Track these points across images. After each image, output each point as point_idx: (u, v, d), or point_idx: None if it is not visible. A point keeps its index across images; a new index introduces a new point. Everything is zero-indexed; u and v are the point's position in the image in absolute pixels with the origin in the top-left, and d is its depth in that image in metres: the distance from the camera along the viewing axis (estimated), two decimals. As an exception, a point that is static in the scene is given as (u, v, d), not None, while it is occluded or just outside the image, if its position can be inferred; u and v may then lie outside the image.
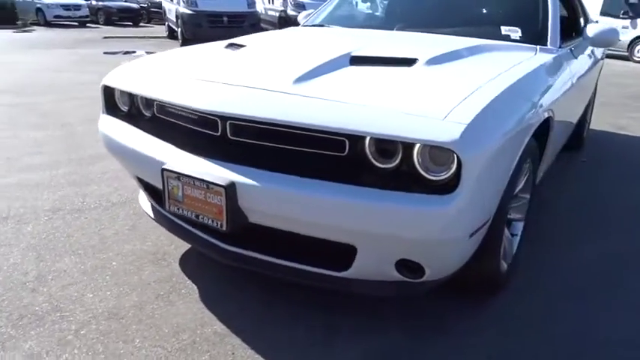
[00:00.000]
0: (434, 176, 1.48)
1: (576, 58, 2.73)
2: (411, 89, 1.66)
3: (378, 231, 1.48)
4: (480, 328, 1.88)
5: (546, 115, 2.01)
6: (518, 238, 2.27)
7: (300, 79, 1.71)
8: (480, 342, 1.81)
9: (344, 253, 1.62)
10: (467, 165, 1.41)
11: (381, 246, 1.55)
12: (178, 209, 1.74)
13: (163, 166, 1.71)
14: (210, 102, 1.68)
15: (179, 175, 1.67)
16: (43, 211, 2.70)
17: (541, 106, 1.92)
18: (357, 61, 1.92)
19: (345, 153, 1.55)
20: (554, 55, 2.36)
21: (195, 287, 2.05)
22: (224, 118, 1.66)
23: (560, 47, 2.51)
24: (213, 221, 1.65)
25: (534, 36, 2.51)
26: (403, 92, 1.63)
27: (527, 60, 2.11)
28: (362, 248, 1.58)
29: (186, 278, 2.11)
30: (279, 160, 1.62)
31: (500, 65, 1.94)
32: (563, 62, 2.44)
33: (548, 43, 2.48)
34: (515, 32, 2.53)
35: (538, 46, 2.39)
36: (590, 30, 2.70)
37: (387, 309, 1.96)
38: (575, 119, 2.98)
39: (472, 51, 2.12)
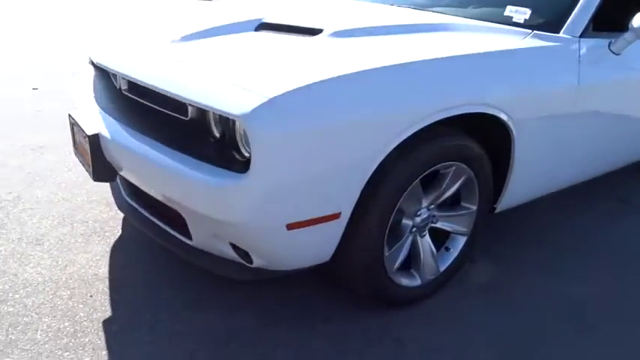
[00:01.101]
0: (248, 152, 1.37)
1: (617, 54, 2.14)
2: (277, 60, 1.52)
3: (180, 201, 1.44)
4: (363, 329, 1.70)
5: (489, 111, 1.66)
6: (455, 253, 1.94)
7: (182, 39, 1.70)
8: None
9: (183, 221, 1.60)
10: (258, 143, 1.27)
11: (198, 219, 1.49)
12: (77, 154, 1.90)
13: (69, 112, 1.87)
14: (105, 58, 1.77)
15: (74, 122, 1.81)
16: None
17: (466, 97, 1.58)
18: (264, 27, 1.82)
19: (188, 118, 1.52)
20: (556, 44, 1.90)
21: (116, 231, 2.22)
22: (114, 73, 1.75)
23: (581, 37, 2.01)
24: (86, 167, 1.77)
25: (548, 20, 2.04)
26: (264, 62, 1.51)
27: (485, 43, 1.75)
28: (188, 219, 1.54)
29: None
30: (141, 119, 1.66)
31: (420, 46, 1.65)
32: (575, 55, 1.95)
33: (563, 30, 2.00)
34: (523, 14, 2.09)
35: (533, 31, 1.95)
36: (638, 20, 2.09)
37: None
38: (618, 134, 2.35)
39: (410, 29, 1.82)
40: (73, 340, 1.61)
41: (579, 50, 1.98)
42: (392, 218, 1.62)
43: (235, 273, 1.60)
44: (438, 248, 1.94)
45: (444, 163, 1.68)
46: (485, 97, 1.65)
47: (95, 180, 1.74)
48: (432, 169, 1.66)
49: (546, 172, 2.08)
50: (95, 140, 1.67)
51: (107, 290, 1.85)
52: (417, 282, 1.85)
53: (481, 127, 1.85)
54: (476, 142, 1.76)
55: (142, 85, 1.55)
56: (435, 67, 1.54)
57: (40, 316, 1.71)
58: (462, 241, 1.96)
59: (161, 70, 1.54)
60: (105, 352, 1.57)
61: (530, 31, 1.96)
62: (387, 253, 1.68)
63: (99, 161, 1.70)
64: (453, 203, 1.94)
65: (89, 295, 1.82)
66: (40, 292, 1.83)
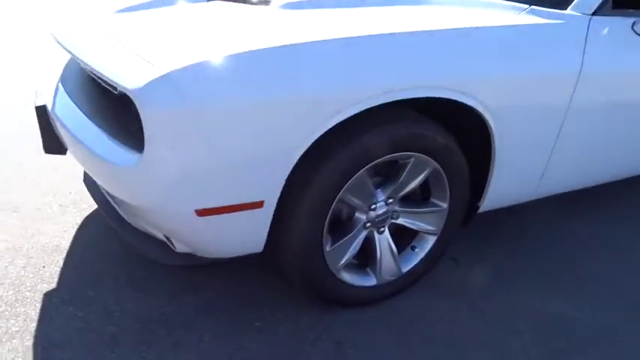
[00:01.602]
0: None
1: (644, 35, 1.80)
2: (205, 31, 1.40)
3: (94, 178, 1.38)
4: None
5: (453, 97, 1.44)
6: (421, 254, 1.75)
7: (127, 10, 1.63)
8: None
9: (115, 198, 1.55)
10: (150, 121, 1.17)
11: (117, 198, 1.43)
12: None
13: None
14: (57, 31, 1.73)
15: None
16: None
17: (417, 79, 1.37)
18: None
19: (117, 93, 1.45)
20: (555, 22, 1.62)
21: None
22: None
23: (595, 14, 1.70)
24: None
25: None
26: (190, 33, 1.40)
27: (461, 19, 1.51)
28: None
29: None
30: (85, 94, 1.62)
31: (375, 20, 1.45)
32: (580, 37, 1.65)
33: (572, 6, 1.71)
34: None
35: (531, 6, 1.68)
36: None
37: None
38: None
39: (377, 2, 1.62)
40: (9, 309, 1.63)
41: (588, 30, 1.68)
42: (331, 210, 1.47)
43: (165, 256, 1.52)
44: (403, 247, 1.77)
45: (397, 154, 1.49)
46: (446, 79, 1.43)
47: (46, 152, 1.73)
48: (383, 159, 1.48)
49: (537, 172, 1.82)
50: (42, 112, 1.65)
51: (62, 262, 1.86)
52: (372, 282, 1.69)
53: (456, 116, 1.64)
54: (443, 132, 1.55)
55: (75, 57, 1.50)
56: (380, 43, 1.34)
57: (-10, 283, 1.75)
58: (430, 241, 1.76)
59: (88, 41, 1.48)
60: (34, 325, 1.57)
61: (527, 6, 1.69)
62: (328, 248, 1.53)
63: (47, 133, 1.69)
64: (423, 199, 1.75)
65: (42, 265, 1.84)
66: (-1, 258, 1.88)
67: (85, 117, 1.47)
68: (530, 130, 1.67)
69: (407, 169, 1.56)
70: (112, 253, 1.92)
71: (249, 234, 1.43)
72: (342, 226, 1.62)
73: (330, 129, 1.36)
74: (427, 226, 1.72)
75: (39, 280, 1.76)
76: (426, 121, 1.52)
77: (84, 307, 1.65)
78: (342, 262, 1.59)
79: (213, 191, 1.29)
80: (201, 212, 1.32)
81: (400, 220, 1.68)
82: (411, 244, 1.77)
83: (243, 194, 1.33)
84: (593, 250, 2.12)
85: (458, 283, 1.87)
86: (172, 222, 1.33)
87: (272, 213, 1.40)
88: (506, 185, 1.80)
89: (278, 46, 1.25)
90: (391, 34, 1.36)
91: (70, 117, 1.51)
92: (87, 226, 2.09)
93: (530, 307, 1.77)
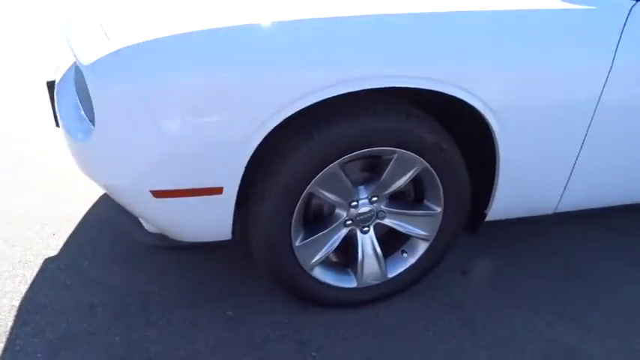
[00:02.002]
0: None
1: None
2: (173, 6, 1.37)
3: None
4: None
5: (442, 89, 1.29)
6: (411, 260, 1.61)
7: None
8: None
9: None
10: (98, 98, 1.17)
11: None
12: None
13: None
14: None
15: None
16: None
17: (394, 67, 1.24)
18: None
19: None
20: (582, 8, 1.39)
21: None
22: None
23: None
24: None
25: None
26: (155, 8, 1.37)
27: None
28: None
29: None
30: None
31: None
32: (616, 26, 1.40)
33: (613, -11, 1.46)
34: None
35: (558, -9, 1.45)
36: None
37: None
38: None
39: None
40: (10, 270, 1.75)
41: (627, 17, 1.43)
42: (299, 203, 1.39)
43: (138, 234, 1.53)
44: (393, 250, 1.64)
45: (376, 148, 1.37)
46: (433, 69, 1.28)
47: (56, 126, 1.83)
48: (358, 153, 1.36)
49: (559, 183, 1.59)
50: (51, 87, 1.74)
51: (70, 232, 1.96)
52: (353, 284, 1.59)
53: (457, 113, 1.48)
54: (432, 128, 1.40)
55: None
56: (346, 25, 1.22)
57: (1, 243, 1.88)
58: (422, 246, 1.61)
59: (76, 16, 1.51)
60: (26, 287, 1.67)
61: (553, -11, 1.47)
62: (297, 243, 1.46)
63: (55, 108, 1.78)
64: (417, 200, 1.61)
65: (53, 233, 1.95)
66: (17, 220, 2.01)
67: (75, 92, 1.52)
68: (546, 134, 1.46)
69: (389, 166, 1.43)
70: (116, 228, 1.99)
71: (212, 220, 1.39)
72: (321, 222, 1.53)
73: (295, 117, 1.29)
74: (418, 230, 1.58)
75: (46, 246, 1.87)
76: (413, 114, 1.38)
77: (74, 277, 1.73)
78: (316, 259, 1.51)
79: (168, 173, 1.27)
80: (158, 193, 1.30)
81: (387, 221, 1.56)
82: (402, 248, 1.64)
83: (201, 179, 1.30)
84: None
85: (456, 297, 1.71)
86: (130, 201, 1.33)
87: (233, 200, 1.35)
88: (518, 195, 1.59)
89: (236, 26, 1.19)
90: (364, 15, 1.25)
91: (63, 91, 1.57)
92: (105, 200, 2.19)
93: (530, 331, 1.57)
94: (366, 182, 1.50)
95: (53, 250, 1.86)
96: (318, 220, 1.55)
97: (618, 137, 1.54)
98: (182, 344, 1.47)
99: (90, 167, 1.28)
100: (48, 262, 1.79)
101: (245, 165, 1.30)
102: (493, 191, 1.57)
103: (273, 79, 1.20)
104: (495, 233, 2.02)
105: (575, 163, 1.57)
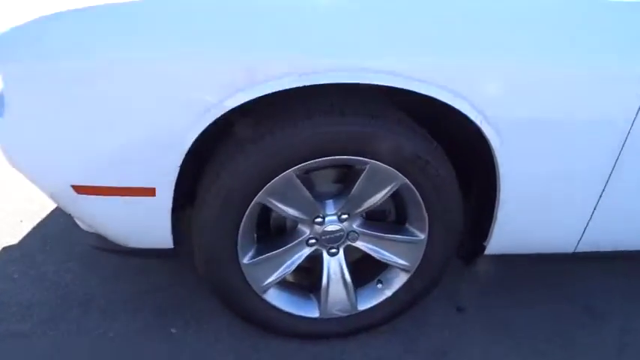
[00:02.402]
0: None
1: None
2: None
3: None
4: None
5: (419, 89, 1.04)
6: (387, 292, 1.36)
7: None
8: None
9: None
10: (7, 77, 1.00)
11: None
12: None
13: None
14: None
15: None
16: None
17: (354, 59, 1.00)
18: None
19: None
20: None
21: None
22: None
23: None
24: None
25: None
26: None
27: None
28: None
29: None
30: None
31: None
32: None
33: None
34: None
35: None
36: None
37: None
38: None
39: None
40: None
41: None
42: (246, 214, 1.17)
43: (85, 235, 1.37)
44: (368, 279, 1.39)
45: (341, 157, 1.14)
46: (402, 64, 1.02)
47: None
48: (319, 160, 1.13)
49: (581, 216, 1.29)
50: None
51: (37, 222, 1.84)
52: (315, 313, 1.35)
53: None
54: (415, 136, 1.15)
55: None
56: (293, 6, 1.00)
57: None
58: (401, 278, 1.35)
59: None
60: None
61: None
62: (246, 260, 1.24)
63: None
64: (399, 223, 1.35)
65: (20, 220, 1.84)
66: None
67: None
68: (563, 153, 1.17)
69: (359, 180, 1.19)
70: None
71: (146, 225, 1.21)
72: (279, 238, 1.32)
73: (242, 113, 1.08)
74: (396, 258, 1.32)
75: (7, 234, 1.76)
76: (389, 119, 1.14)
77: (24, 270, 1.60)
78: (269, 280, 1.29)
79: (91, 168, 1.10)
80: (80, 189, 1.13)
81: (359, 244, 1.31)
82: (378, 277, 1.39)
83: (128, 177, 1.11)
84: None
85: (444, 341, 1.43)
86: (53, 195, 1.17)
87: (169, 204, 1.16)
88: (525, 227, 1.31)
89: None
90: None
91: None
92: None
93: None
94: (336, 196, 1.27)
95: (14, 238, 1.74)
96: (278, 235, 1.33)
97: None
98: (111, 361, 1.30)
99: (6, 154, 1.12)
100: (4, 251, 1.68)
101: (179, 165, 1.10)
102: (493, 220, 1.29)
103: (208, 63, 1.00)
104: (506, 264, 1.72)
105: (603, 190, 1.27)
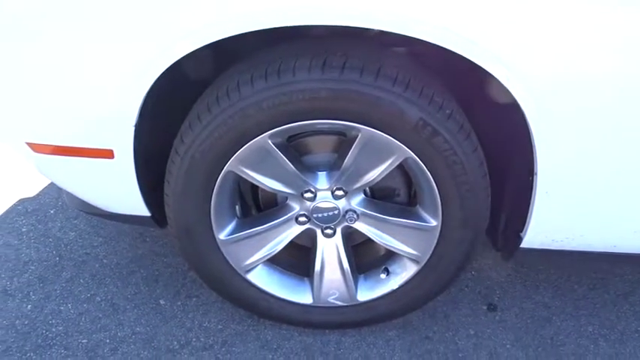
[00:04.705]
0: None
1: None
2: None
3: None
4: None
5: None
6: (393, 284, 1.13)
7: None
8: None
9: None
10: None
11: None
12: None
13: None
14: None
15: None
16: None
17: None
18: None
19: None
20: None
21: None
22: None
23: None
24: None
25: None
26: None
27: None
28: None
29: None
30: None
31: None
32: None
33: None
34: None
35: None
36: None
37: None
38: None
39: None
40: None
41: None
42: (217, 184, 1.00)
43: (69, 196, 1.29)
44: (373, 266, 1.18)
45: (326, 121, 0.91)
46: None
47: None
48: (301, 125, 0.92)
49: (631, 206, 0.97)
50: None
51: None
52: (308, 300, 1.18)
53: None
54: (418, 96, 0.89)
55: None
56: None
57: None
58: (410, 269, 1.12)
59: None
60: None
61: None
62: (222, 237, 1.08)
63: None
64: (410, 203, 1.11)
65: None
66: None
67: None
68: (619, 121, 0.86)
69: (351, 150, 0.96)
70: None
71: (112, 190, 1.08)
72: (266, 214, 1.14)
73: (205, 68, 0.89)
74: (403, 246, 1.09)
75: (26, 187, 1.75)
76: (386, 74, 0.88)
77: (33, 224, 1.57)
78: (253, 260, 1.12)
79: (42, 126, 0.98)
80: (35, 147, 1.02)
81: (359, 226, 1.10)
82: (385, 266, 1.17)
83: (83, 137, 0.98)
84: None
85: (464, 344, 1.20)
86: (16, 151, 1.07)
87: (130, 168, 1.01)
88: (571, 219, 1.01)
89: None
90: None
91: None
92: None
93: None
94: (330, 168, 1.05)
95: (32, 191, 1.73)
96: (265, 210, 1.16)
97: None
98: (89, 331, 1.23)
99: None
100: (19, 202, 1.67)
101: (134, 124, 0.94)
102: (531, 202, 1.01)
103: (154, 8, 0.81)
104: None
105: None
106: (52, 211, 1.63)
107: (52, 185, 1.75)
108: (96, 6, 0.84)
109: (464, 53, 0.81)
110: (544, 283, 1.37)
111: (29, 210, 1.64)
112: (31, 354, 1.17)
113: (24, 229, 1.55)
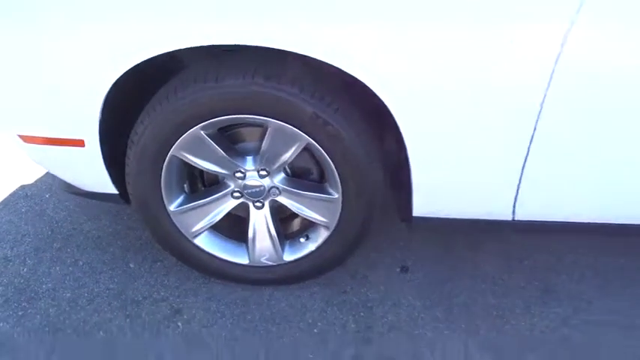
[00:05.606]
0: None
1: None
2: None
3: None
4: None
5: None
6: (311, 247, 1.42)
7: None
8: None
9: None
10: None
11: None
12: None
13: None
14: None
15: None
16: None
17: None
18: None
19: None
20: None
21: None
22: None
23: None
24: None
25: None
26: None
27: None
28: None
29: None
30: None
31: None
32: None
33: None
34: None
35: None
36: None
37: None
38: None
39: None
40: (-12, 191, 1.97)
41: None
42: (165, 166, 1.29)
43: (58, 181, 1.57)
44: (299, 233, 1.46)
45: (243, 116, 1.19)
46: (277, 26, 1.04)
47: None
48: (225, 119, 1.20)
49: (508, 178, 1.23)
50: None
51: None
52: (245, 260, 1.46)
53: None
54: (311, 96, 1.16)
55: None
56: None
57: None
58: (323, 234, 1.40)
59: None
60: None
61: None
62: (172, 208, 1.37)
63: None
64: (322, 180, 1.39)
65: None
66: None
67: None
68: (467, 111, 1.13)
69: (265, 138, 1.24)
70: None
71: (86, 172, 1.37)
72: (208, 190, 1.42)
73: (151, 73, 1.17)
74: (315, 214, 1.37)
75: (27, 175, 2.05)
76: (284, 78, 1.16)
77: (31, 206, 1.88)
78: (197, 227, 1.41)
79: (28, 118, 1.27)
80: (25, 138, 1.32)
81: (282, 199, 1.38)
82: (306, 233, 1.45)
83: (61, 128, 1.27)
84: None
85: (376, 296, 1.48)
86: (14, 143, 1.36)
87: (99, 155, 1.30)
88: (446, 190, 1.28)
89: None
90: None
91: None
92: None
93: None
94: (256, 153, 1.34)
95: (31, 178, 2.03)
96: (208, 187, 1.44)
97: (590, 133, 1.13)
98: (73, 287, 1.52)
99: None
100: (20, 187, 1.97)
101: (98, 117, 1.23)
102: (410, 181, 1.28)
103: (117, 26, 1.08)
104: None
105: (527, 153, 1.20)
106: (47, 195, 1.93)
107: (48, 174, 2.05)
108: (59, 15, 1.10)
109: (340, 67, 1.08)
110: (455, 249, 1.64)
111: (28, 194, 1.94)
112: (25, 304, 1.47)
113: (23, 210, 1.86)
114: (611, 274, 1.54)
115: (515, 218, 1.36)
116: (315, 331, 1.38)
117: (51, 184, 1.99)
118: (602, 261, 1.59)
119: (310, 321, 1.41)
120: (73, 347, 1.35)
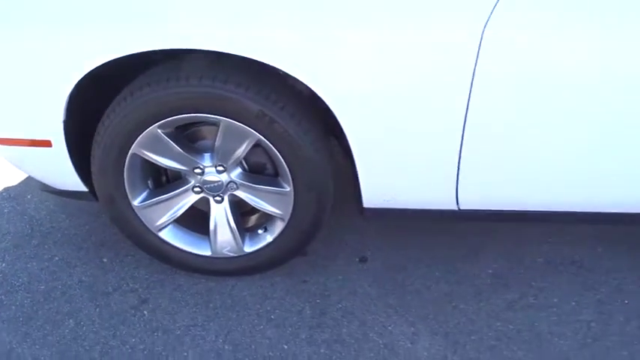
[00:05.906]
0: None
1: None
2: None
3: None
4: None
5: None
6: (269, 238, 1.50)
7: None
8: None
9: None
10: None
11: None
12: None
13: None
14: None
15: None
16: None
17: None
18: None
19: None
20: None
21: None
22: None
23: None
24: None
25: None
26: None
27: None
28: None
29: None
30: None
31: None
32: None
33: None
34: None
35: None
36: None
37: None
38: None
39: None
40: (-27, 193, 2.06)
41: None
42: (127, 163, 1.37)
43: (37, 181, 1.67)
44: (259, 226, 1.55)
45: (196, 115, 1.28)
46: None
47: None
48: (180, 118, 1.28)
49: (446, 168, 1.31)
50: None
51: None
52: (208, 252, 1.54)
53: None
54: (257, 95, 1.25)
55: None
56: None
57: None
58: (279, 226, 1.48)
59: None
60: None
61: None
62: (136, 203, 1.45)
63: None
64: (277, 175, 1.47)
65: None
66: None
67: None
68: (401, 111, 1.21)
69: (217, 135, 1.33)
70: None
71: (55, 171, 1.46)
72: (171, 186, 1.51)
73: (109, 75, 1.26)
74: (270, 207, 1.45)
75: (10, 177, 2.15)
76: (231, 80, 1.24)
77: (14, 206, 1.97)
78: (161, 221, 1.49)
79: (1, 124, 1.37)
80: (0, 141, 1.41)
81: (239, 193, 1.46)
82: (265, 225, 1.53)
83: (28, 130, 1.36)
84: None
85: (334, 286, 1.56)
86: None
87: (66, 154, 1.39)
88: (390, 182, 1.36)
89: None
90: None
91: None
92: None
93: (386, 339, 1.37)
94: (213, 150, 1.42)
95: (15, 180, 2.13)
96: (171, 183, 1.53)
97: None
98: (47, 280, 1.61)
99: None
100: (4, 189, 2.07)
101: (62, 120, 1.32)
102: (357, 174, 1.36)
103: (73, 34, 1.18)
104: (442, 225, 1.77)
105: (461, 144, 1.28)
106: (29, 196, 2.02)
107: (30, 177, 2.14)
108: (20, 17, 1.19)
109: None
110: (414, 240, 1.72)
111: (12, 195, 2.04)
112: (2, 297, 1.56)
113: (6, 210, 1.95)
114: (562, 264, 1.62)
115: (461, 208, 1.44)
116: (272, 317, 1.46)
117: (34, 185, 2.08)
118: (555, 249, 1.66)
119: (269, 308, 1.49)
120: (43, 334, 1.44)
